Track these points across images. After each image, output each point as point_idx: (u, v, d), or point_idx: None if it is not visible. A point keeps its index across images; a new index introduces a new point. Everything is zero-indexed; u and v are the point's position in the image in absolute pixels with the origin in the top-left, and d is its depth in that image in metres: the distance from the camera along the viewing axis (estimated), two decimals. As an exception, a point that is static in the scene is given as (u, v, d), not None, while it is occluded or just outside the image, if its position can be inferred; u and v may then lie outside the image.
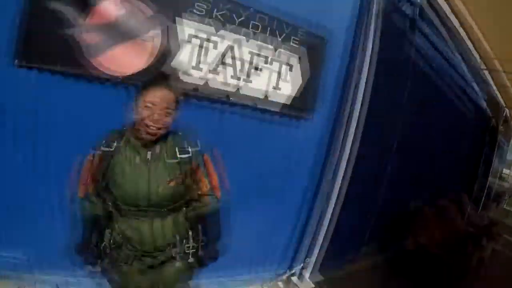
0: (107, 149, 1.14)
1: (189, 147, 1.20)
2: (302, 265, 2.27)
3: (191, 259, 1.31)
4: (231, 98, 1.71)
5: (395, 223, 3.05)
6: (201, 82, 1.66)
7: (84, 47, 1.47)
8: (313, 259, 2.21)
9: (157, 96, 1.04)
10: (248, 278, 2.29)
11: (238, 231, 2.04)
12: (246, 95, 1.74)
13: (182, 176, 1.17)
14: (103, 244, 1.26)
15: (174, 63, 1.59)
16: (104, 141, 1.16)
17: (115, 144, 1.15)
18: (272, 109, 1.80)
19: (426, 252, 2.72)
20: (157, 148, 1.16)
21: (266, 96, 1.77)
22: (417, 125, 2.73)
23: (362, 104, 1.96)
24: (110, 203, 1.19)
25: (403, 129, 2.54)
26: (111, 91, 1.58)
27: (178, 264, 1.30)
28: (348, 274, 2.67)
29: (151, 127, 1.07)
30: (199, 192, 1.26)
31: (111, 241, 1.25)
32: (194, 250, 1.31)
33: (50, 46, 1.45)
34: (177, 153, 1.17)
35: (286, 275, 2.36)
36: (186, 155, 1.18)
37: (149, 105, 1.04)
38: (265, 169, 1.88)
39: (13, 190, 1.67)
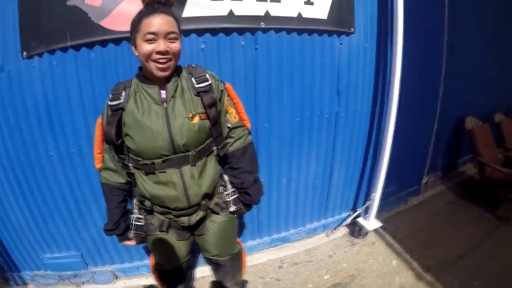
0: (115, 102, 0.97)
1: (206, 74, 1.01)
2: (367, 204, 2.10)
3: (234, 207, 1.16)
4: (262, 23, 1.48)
5: (455, 146, 2.78)
6: (225, 12, 1.44)
7: (90, 13, 1.34)
8: (377, 195, 2.02)
9: (156, 24, 0.86)
10: (310, 227, 2.17)
11: (292, 177, 1.91)
12: (278, 17, 1.49)
13: (206, 109, 0.99)
14: (132, 217, 1.13)
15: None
16: (110, 95, 0.99)
17: (123, 94, 0.97)
18: (309, 26, 1.54)
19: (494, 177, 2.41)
20: (171, 85, 0.97)
21: (299, 14, 1.52)
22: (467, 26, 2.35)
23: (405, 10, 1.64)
24: (130, 164, 1.02)
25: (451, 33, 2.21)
26: (129, 47, 1.40)
27: (219, 217, 1.16)
28: (412, 207, 2.51)
29: (161, 60, 0.89)
30: (228, 125, 1.08)
31: (141, 210, 1.13)
32: (235, 196, 1.15)
33: (54, 25, 1.34)
34: (195, 83, 0.99)
35: (351, 217, 2.22)
36: (206, 83, 0.99)
37: (151, 36, 0.86)
38: (313, 96, 1.66)
39: (50, 188, 1.59)
